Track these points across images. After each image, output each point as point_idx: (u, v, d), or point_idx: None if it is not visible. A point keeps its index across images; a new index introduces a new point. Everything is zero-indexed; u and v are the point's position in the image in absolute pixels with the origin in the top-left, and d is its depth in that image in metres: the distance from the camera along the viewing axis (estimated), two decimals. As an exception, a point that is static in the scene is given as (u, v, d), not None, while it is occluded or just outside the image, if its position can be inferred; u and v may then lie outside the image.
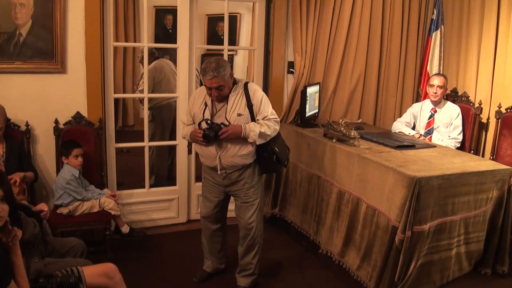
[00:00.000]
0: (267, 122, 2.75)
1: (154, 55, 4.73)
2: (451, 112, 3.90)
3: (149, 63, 4.62)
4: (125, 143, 4.25)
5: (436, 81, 3.91)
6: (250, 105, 2.74)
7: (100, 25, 3.39)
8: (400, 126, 4.04)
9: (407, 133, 3.91)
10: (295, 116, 4.02)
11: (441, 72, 4.25)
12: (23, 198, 3.00)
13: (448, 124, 3.90)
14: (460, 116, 3.89)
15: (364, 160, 3.00)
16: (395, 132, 3.96)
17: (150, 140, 4.59)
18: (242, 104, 2.74)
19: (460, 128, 3.87)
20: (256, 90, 2.78)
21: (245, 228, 2.93)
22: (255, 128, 2.70)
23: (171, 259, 3.40)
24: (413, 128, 4.07)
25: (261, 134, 2.72)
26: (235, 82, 2.78)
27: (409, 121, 4.08)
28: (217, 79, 2.61)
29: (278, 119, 2.84)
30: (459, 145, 3.87)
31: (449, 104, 3.97)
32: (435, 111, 3.95)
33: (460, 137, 3.87)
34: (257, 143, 2.75)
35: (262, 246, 3.02)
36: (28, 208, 2.44)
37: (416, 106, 4.10)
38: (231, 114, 2.72)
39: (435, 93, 3.88)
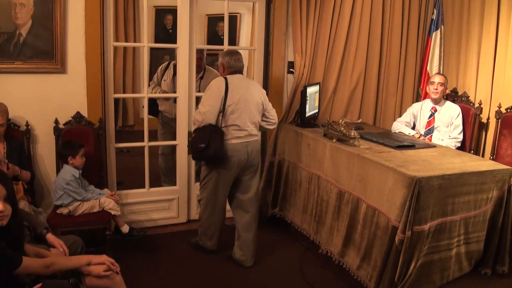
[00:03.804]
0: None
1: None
2: (451, 112, 3.91)
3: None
4: (125, 143, 4.25)
5: (437, 78, 3.92)
6: None
7: (100, 25, 3.39)
8: (400, 126, 4.04)
9: (407, 133, 3.91)
10: (295, 116, 4.02)
11: (441, 72, 4.26)
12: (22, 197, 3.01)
13: (449, 123, 3.90)
14: (461, 115, 3.89)
15: (364, 160, 3.00)
16: (395, 132, 3.96)
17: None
18: None
19: (461, 127, 3.88)
20: (210, 84, 3.23)
21: None
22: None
23: (171, 259, 3.40)
24: (413, 128, 4.07)
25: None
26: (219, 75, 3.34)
27: (409, 120, 4.08)
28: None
29: (201, 111, 3.13)
30: (459, 145, 3.87)
31: (449, 103, 3.97)
32: (436, 110, 3.95)
33: (461, 136, 3.87)
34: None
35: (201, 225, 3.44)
36: None
37: (416, 105, 4.11)
38: None
39: (436, 89, 3.88)
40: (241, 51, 3.42)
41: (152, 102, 4.34)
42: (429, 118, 3.97)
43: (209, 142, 3.06)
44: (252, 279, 3.19)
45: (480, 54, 4.01)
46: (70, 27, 3.33)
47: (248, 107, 3.18)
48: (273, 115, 3.38)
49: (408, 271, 2.70)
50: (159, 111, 4.46)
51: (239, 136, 3.18)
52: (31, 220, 2.47)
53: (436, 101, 3.95)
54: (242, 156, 3.20)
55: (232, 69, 3.22)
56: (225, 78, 3.17)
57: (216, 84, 3.17)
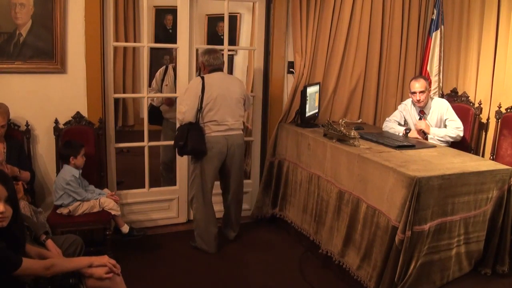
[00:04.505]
0: None
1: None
2: (439, 109, 3.81)
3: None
4: (125, 143, 4.25)
5: (417, 86, 3.76)
6: None
7: (100, 25, 3.39)
8: (390, 125, 3.94)
9: (396, 133, 3.83)
10: (295, 116, 4.02)
11: (440, 72, 4.23)
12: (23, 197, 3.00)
13: (440, 119, 3.81)
14: (450, 108, 3.79)
15: (364, 160, 3.00)
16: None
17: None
18: None
19: (455, 117, 3.75)
20: (189, 84, 3.47)
21: None
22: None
23: (171, 259, 3.40)
24: (405, 124, 3.98)
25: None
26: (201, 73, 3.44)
27: (399, 119, 3.98)
28: None
29: (180, 111, 3.35)
30: (461, 134, 3.73)
31: (434, 101, 3.87)
32: (424, 113, 3.88)
33: (460, 125, 3.73)
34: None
35: (196, 218, 3.58)
36: None
37: (402, 106, 4.00)
38: None
39: (419, 100, 3.77)
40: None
41: (155, 110, 4.26)
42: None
43: (186, 140, 3.29)
44: (252, 279, 3.19)
45: (480, 54, 4.00)
46: (70, 27, 3.33)
47: (227, 103, 3.36)
48: (247, 107, 3.65)
49: (408, 271, 2.70)
50: (163, 119, 4.38)
51: (219, 130, 3.38)
52: (31, 223, 2.47)
53: (422, 107, 3.87)
54: (222, 148, 3.39)
55: (211, 67, 3.38)
56: (202, 78, 3.33)
57: (193, 84, 3.38)
